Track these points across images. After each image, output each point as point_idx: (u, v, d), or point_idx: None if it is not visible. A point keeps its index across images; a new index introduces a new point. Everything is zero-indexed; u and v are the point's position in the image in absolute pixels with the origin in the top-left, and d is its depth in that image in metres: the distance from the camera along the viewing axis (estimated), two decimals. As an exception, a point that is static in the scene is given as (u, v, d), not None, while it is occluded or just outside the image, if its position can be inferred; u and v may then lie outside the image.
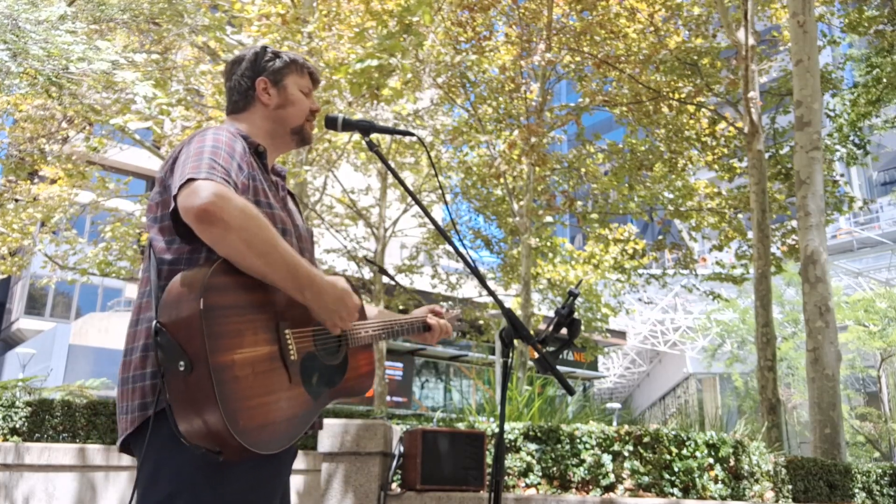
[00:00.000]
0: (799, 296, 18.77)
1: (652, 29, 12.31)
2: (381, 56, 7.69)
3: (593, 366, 29.44)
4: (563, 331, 1.89)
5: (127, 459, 5.61)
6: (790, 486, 4.88)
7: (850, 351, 22.71)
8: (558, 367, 1.79)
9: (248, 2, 9.54)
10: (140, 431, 1.58)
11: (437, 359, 26.23)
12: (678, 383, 34.44)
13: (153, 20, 9.51)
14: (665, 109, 12.32)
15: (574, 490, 4.32)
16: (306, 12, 9.73)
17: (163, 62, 9.85)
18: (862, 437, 23.47)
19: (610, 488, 4.30)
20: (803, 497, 4.95)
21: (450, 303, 16.74)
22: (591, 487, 4.31)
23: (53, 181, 13.48)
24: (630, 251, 14.62)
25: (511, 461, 4.36)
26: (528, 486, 4.32)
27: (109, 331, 22.04)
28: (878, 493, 5.55)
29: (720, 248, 13.44)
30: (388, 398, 19.16)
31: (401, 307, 15.98)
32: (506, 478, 4.32)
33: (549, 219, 14.10)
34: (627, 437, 4.41)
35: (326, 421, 4.17)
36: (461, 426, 4.83)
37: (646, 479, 4.31)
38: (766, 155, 10.73)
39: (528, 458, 4.37)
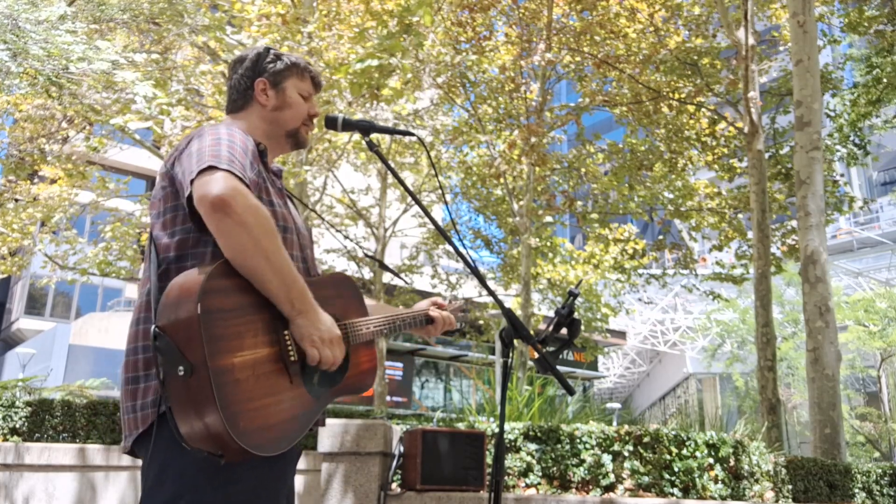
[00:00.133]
0: (799, 296, 18.77)
1: (652, 29, 12.31)
2: (382, 56, 7.69)
3: (593, 366, 29.45)
4: (563, 331, 1.89)
5: (127, 459, 5.61)
6: (790, 486, 4.88)
7: (850, 351, 22.71)
8: (558, 367, 1.79)
9: (249, 2, 9.54)
10: (146, 432, 1.58)
11: (437, 359, 26.24)
12: (678, 383, 34.44)
13: (153, 20, 9.51)
14: (665, 109, 12.32)
15: (574, 490, 4.32)
16: (306, 12, 9.72)
17: (163, 62, 9.85)
18: (862, 437, 23.47)
19: (610, 488, 4.30)
20: (803, 497, 4.95)
21: (453, 294, 16.74)
22: (591, 487, 4.31)
23: (53, 181, 13.47)
24: (630, 251, 14.62)
25: (511, 461, 4.36)
26: (528, 486, 4.32)
27: (109, 331, 22.04)
28: (878, 493, 5.55)
29: (720, 248, 13.44)
30: (388, 398, 19.17)
31: (401, 307, 15.96)
32: (506, 478, 4.33)
33: (549, 219, 14.10)
34: (627, 437, 4.41)
35: (326, 421, 4.17)
36: (461, 426, 4.83)
37: (646, 479, 4.31)
38: (766, 155, 10.73)
39: (528, 458, 4.37)
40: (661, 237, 14.74)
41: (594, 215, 14.38)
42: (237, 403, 1.45)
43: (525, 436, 4.45)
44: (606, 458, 4.34)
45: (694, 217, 13.69)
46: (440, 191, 15.35)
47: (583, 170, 14.17)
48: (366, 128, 1.99)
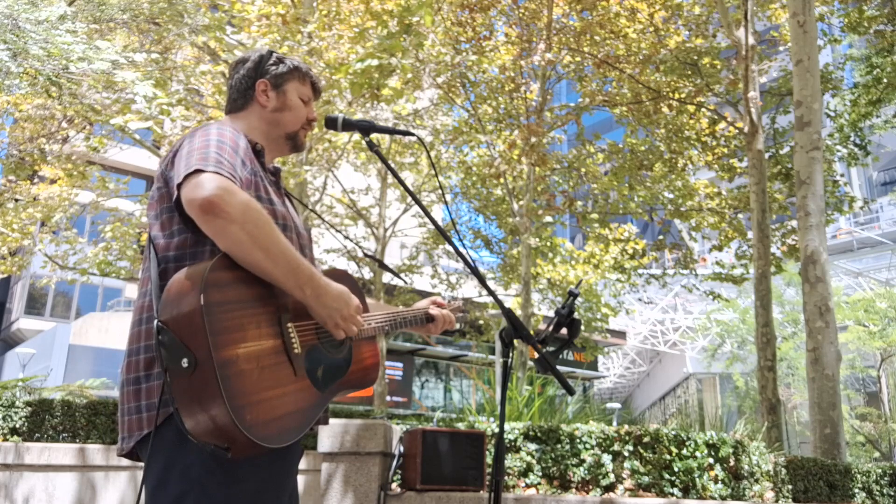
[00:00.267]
0: (799, 296, 18.77)
1: (652, 29, 12.31)
2: (382, 56, 7.70)
3: (593, 366, 29.45)
4: (563, 331, 1.89)
5: (128, 459, 5.59)
6: (790, 486, 4.88)
7: (850, 351, 22.72)
8: (558, 367, 1.79)
9: (249, 2, 9.54)
10: (151, 433, 1.57)
11: (437, 359, 26.24)
12: (678, 383, 34.45)
13: (153, 20, 9.51)
14: (665, 109, 12.32)
15: (574, 490, 4.32)
16: (306, 12, 9.72)
17: (163, 62, 9.85)
18: (862, 437, 23.47)
19: (610, 488, 4.30)
20: (803, 497, 4.95)
21: (452, 293, 16.74)
22: (591, 487, 4.31)
23: (53, 181, 13.47)
24: (630, 251, 14.62)
25: (511, 461, 4.36)
26: (528, 486, 4.32)
27: (109, 331, 22.05)
28: (878, 493, 5.55)
29: (720, 248, 13.44)
30: (388, 398, 19.17)
31: (401, 307, 15.96)
32: (506, 478, 4.33)
33: (549, 219, 14.09)
34: (627, 437, 4.41)
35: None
36: (461, 426, 4.83)
37: (646, 479, 4.31)
38: (766, 155, 10.73)
39: (528, 458, 4.37)
40: (661, 237, 14.74)
41: (594, 215, 14.37)
42: (243, 395, 1.45)
43: (525, 436, 4.45)
44: (606, 458, 4.34)
45: (694, 217, 13.69)
46: (440, 191, 15.36)
47: (583, 170, 14.16)
48: (366, 128, 2.00)
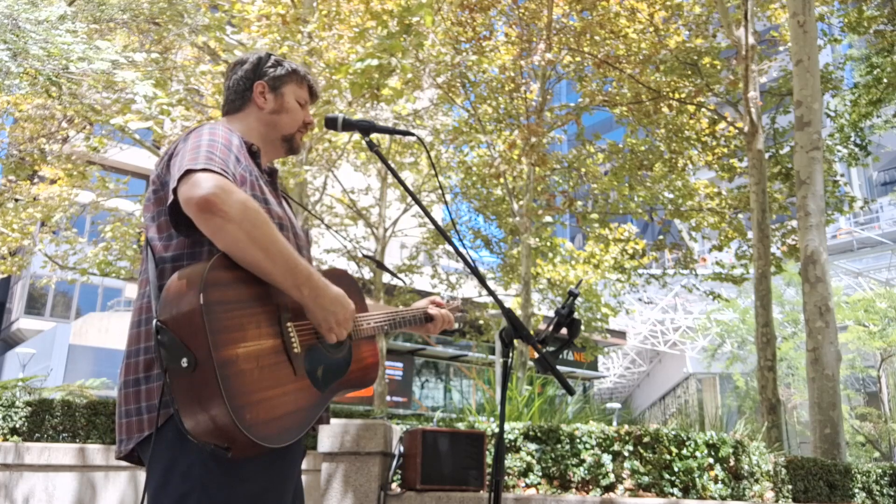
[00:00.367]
0: (799, 296, 18.77)
1: (652, 29, 12.31)
2: (382, 56, 7.70)
3: (593, 366, 29.45)
4: (563, 331, 1.89)
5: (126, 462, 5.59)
6: (790, 486, 4.88)
7: (850, 351, 22.71)
8: (558, 367, 1.79)
9: (249, 2, 9.54)
10: (151, 434, 1.57)
11: (437, 359, 26.23)
12: (678, 383, 34.45)
13: (153, 20, 9.51)
14: (665, 109, 12.32)
15: (574, 490, 4.32)
16: (306, 12, 9.72)
17: (163, 62, 9.85)
18: (862, 437, 23.47)
19: (610, 488, 4.30)
20: (803, 497, 4.95)
21: (452, 293, 16.74)
22: (591, 487, 4.31)
23: (53, 181, 13.48)
24: (630, 251, 14.63)
25: (511, 461, 4.36)
26: (528, 486, 4.32)
27: (109, 331, 22.05)
28: (878, 493, 5.55)
29: (720, 248, 13.44)
30: (388, 398, 19.17)
31: (400, 307, 15.96)
32: (506, 478, 4.33)
33: (548, 219, 14.09)
34: (627, 437, 4.41)
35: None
36: (461, 426, 4.83)
37: (646, 479, 4.31)
38: (766, 155, 10.73)
39: (528, 458, 4.37)
40: (661, 237, 14.74)
41: (594, 215, 14.38)
42: (243, 395, 1.45)
43: (525, 436, 4.45)
44: (606, 458, 4.34)
45: (694, 217, 13.70)
46: (440, 191, 15.36)
47: (583, 170, 14.17)
48: (366, 128, 2.00)
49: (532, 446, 4.41)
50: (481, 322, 17.35)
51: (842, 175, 13.54)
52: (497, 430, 1.93)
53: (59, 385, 11.47)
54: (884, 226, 31.83)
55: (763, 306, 8.98)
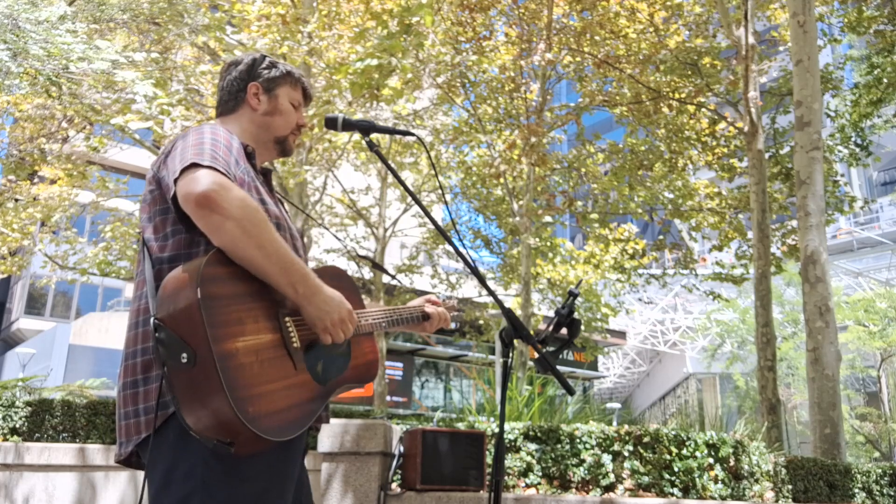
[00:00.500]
0: (799, 296, 18.77)
1: (652, 29, 12.31)
2: (381, 56, 7.70)
3: (593, 366, 29.45)
4: (563, 331, 1.89)
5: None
6: (790, 486, 4.88)
7: (850, 351, 22.71)
8: (558, 367, 1.79)
9: (249, 2, 9.54)
10: (151, 435, 1.57)
11: (437, 359, 26.23)
12: (678, 383, 34.45)
13: (153, 20, 9.51)
14: (665, 109, 12.32)
15: (574, 490, 4.32)
16: (306, 12, 9.72)
17: (163, 62, 9.85)
18: (862, 437, 23.46)
19: (610, 488, 4.30)
20: (803, 497, 4.95)
21: (452, 293, 16.74)
22: (591, 487, 4.31)
23: (53, 181, 13.48)
24: (630, 251, 14.63)
25: (511, 461, 4.36)
26: (528, 486, 4.32)
27: (109, 331, 22.04)
28: (878, 493, 5.55)
29: (720, 248, 13.44)
30: (388, 398, 19.16)
31: (398, 306, 15.96)
32: (506, 478, 4.33)
33: (548, 219, 14.09)
34: (627, 437, 4.41)
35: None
36: (461, 426, 4.83)
37: (646, 479, 4.31)
38: (766, 155, 10.73)
39: (528, 458, 4.37)
40: (661, 237, 14.74)
41: (594, 215, 14.38)
42: (244, 388, 1.44)
43: (525, 436, 4.45)
44: (606, 458, 4.34)
45: (694, 217, 13.70)
46: (440, 191, 15.35)
47: (583, 170, 14.17)
48: (366, 128, 2.00)
49: (532, 446, 4.41)
50: (481, 322, 17.35)
51: (842, 175, 13.54)
52: (497, 430, 1.93)
53: (59, 385, 11.47)
54: (884, 226, 31.83)
55: (763, 306, 8.97)
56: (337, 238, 2.30)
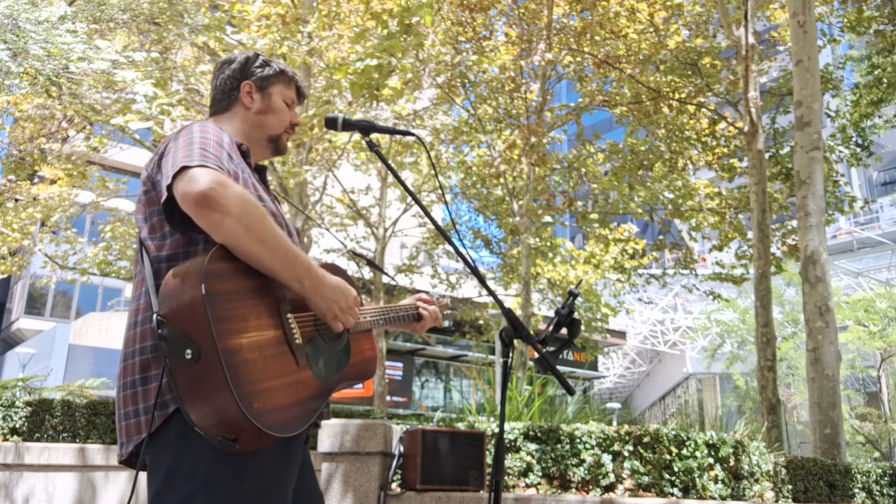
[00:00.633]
0: (799, 296, 18.77)
1: (652, 29, 12.31)
2: (381, 56, 7.70)
3: (593, 366, 29.45)
4: (563, 331, 1.89)
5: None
6: (790, 486, 4.88)
7: (850, 351, 22.71)
8: (558, 367, 1.79)
9: (249, 2, 9.54)
10: (152, 435, 1.56)
11: (437, 359, 26.23)
12: (678, 383, 34.45)
13: (153, 20, 9.51)
14: (665, 109, 12.32)
15: (574, 490, 4.32)
16: (306, 12, 9.72)
17: (163, 62, 9.85)
18: (862, 437, 23.46)
19: (610, 488, 4.30)
20: (803, 497, 4.95)
21: (452, 294, 16.73)
22: (591, 487, 4.31)
23: (53, 181, 13.48)
24: (630, 251, 14.63)
25: (511, 461, 4.36)
26: (528, 486, 4.32)
27: (109, 331, 22.05)
28: (878, 493, 5.55)
29: (720, 248, 13.44)
30: (388, 398, 19.15)
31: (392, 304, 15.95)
32: (506, 478, 4.33)
33: (548, 219, 14.09)
34: (627, 437, 4.41)
35: (326, 421, 4.17)
36: (461, 426, 4.83)
37: (646, 479, 4.31)
38: (766, 155, 10.73)
39: (528, 458, 4.37)
40: (661, 237, 14.74)
41: (594, 215, 14.38)
42: (249, 384, 1.44)
43: (525, 436, 4.45)
44: (606, 458, 4.34)
45: (694, 217, 13.70)
46: (440, 191, 15.35)
47: (583, 170, 14.17)
48: (366, 128, 2.00)
49: (532, 446, 4.41)
50: (481, 322, 17.35)
51: (842, 175, 13.54)
52: (497, 430, 1.93)
53: (59, 385, 11.47)
54: (884, 226, 31.82)
55: (763, 306, 8.97)
56: (337, 238, 2.30)
